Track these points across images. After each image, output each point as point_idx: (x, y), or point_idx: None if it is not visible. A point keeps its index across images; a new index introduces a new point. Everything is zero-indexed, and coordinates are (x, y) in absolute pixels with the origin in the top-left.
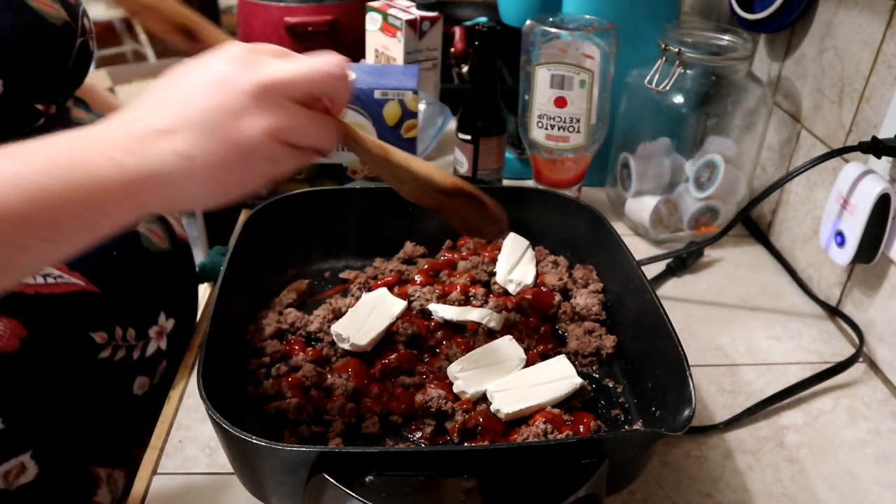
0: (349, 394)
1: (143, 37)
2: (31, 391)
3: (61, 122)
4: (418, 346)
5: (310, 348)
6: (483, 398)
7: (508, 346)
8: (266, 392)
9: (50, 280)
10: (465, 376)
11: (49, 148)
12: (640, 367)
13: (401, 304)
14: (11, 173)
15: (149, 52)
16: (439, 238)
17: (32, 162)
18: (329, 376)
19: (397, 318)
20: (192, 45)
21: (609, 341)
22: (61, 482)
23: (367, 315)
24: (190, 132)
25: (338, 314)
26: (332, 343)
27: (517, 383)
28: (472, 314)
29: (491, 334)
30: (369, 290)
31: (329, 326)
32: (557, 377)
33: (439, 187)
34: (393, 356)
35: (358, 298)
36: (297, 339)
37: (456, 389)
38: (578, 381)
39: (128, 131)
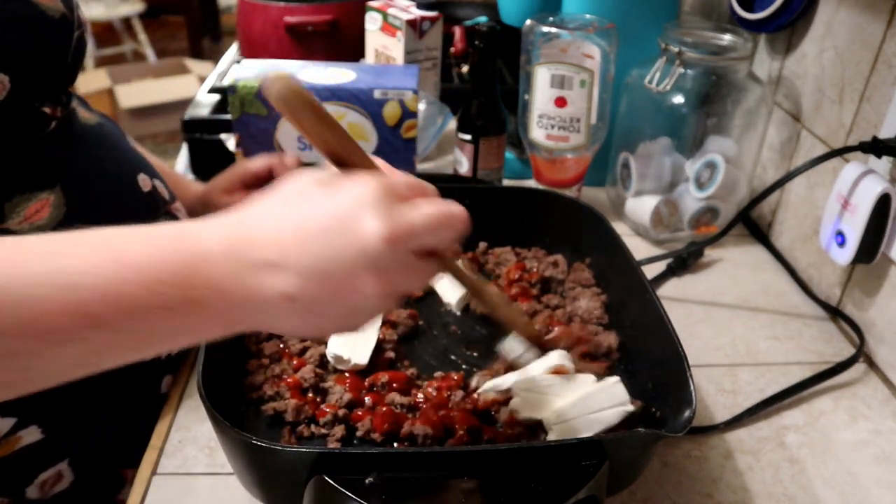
0: (343, 403)
1: (142, 37)
2: (69, 399)
3: (71, 126)
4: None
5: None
6: (538, 426)
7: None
8: (264, 393)
9: None
10: (526, 397)
11: (151, 254)
12: (641, 368)
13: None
14: (116, 279)
15: (149, 51)
16: None
17: (136, 271)
18: (328, 380)
19: (381, 326)
20: (339, 170)
21: (612, 339)
22: (93, 487)
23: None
24: (300, 275)
25: None
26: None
27: (572, 412)
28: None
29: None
30: None
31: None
32: (610, 404)
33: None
34: (386, 377)
35: None
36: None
37: (512, 405)
38: (630, 408)
39: (241, 255)
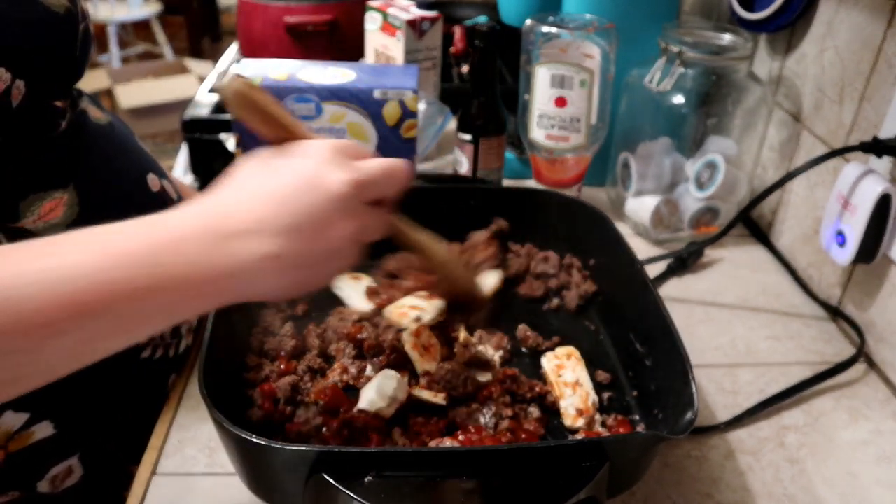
0: (313, 425)
1: (161, 37)
2: (81, 396)
3: (83, 125)
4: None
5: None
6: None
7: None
8: (250, 394)
9: None
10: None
11: (132, 241)
12: (643, 369)
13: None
14: (100, 268)
15: (167, 51)
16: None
17: (119, 258)
18: (308, 393)
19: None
20: (280, 138)
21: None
22: (102, 482)
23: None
24: (279, 234)
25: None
26: (319, 355)
27: None
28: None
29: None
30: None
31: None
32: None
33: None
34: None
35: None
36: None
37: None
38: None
39: (217, 228)
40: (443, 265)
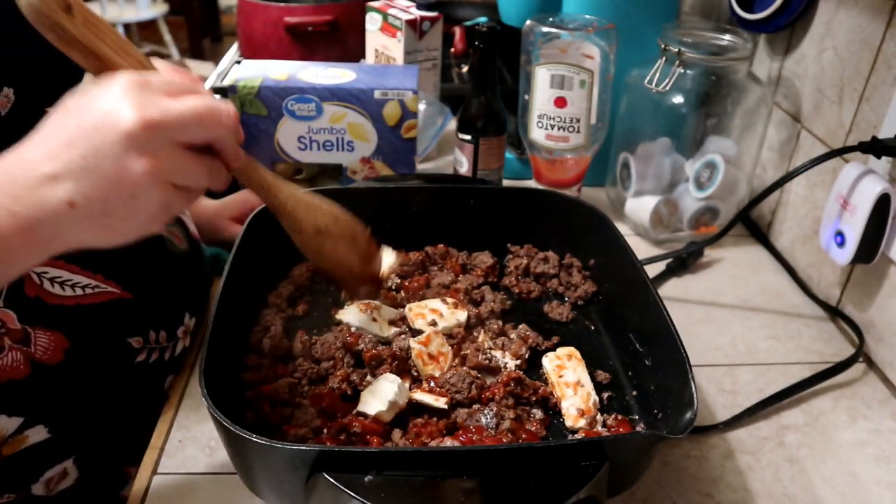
0: (311, 427)
1: (167, 37)
2: (75, 400)
3: None
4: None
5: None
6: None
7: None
8: (249, 395)
9: (88, 290)
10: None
11: None
12: (643, 369)
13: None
14: None
15: (173, 51)
16: (436, 240)
17: None
18: (301, 399)
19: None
20: (95, 68)
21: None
22: (97, 484)
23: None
24: (72, 178)
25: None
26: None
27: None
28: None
29: None
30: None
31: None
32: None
33: (329, 216)
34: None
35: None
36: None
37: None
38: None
39: (16, 177)
40: (318, 231)
